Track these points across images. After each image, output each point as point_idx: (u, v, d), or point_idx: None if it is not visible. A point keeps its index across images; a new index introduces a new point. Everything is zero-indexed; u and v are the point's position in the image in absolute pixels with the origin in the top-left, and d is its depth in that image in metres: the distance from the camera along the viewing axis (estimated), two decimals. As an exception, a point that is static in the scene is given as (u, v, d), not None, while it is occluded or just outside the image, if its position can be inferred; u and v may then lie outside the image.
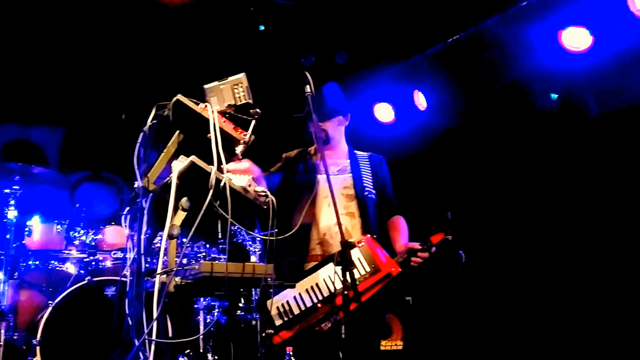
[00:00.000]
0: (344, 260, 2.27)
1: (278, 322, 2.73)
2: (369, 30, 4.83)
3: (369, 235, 2.80)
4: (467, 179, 4.97)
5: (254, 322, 3.75)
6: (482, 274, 4.53)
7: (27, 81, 5.10)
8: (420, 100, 4.96)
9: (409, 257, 2.82)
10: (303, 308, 2.71)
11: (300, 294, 2.74)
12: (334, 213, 2.73)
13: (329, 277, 2.71)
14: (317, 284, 2.73)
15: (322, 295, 2.69)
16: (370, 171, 3.21)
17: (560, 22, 3.90)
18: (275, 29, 4.89)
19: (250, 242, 4.26)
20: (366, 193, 3.09)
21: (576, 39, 3.85)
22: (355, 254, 2.70)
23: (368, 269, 2.65)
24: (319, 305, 2.67)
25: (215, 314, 3.77)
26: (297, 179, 3.17)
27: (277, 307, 2.75)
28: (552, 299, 4.35)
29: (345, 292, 2.25)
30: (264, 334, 2.66)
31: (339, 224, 2.39)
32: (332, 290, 2.67)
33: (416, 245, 2.83)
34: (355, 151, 3.34)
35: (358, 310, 2.52)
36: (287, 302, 2.75)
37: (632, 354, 3.87)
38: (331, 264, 2.72)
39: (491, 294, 4.69)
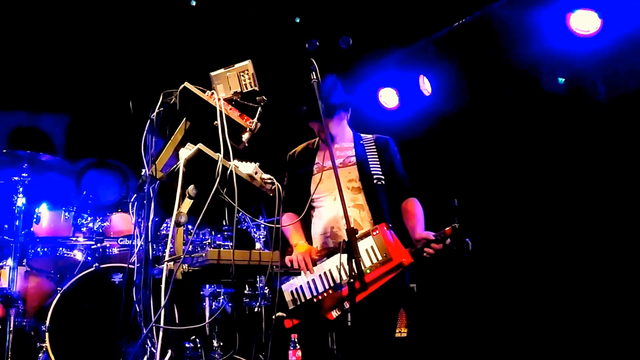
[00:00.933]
0: (349, 248, 2.26)
1: (290, 306, 2.75)
2: (374, 15, 4.79)
3: (383, 224, 2.73)
4: (472, 164, 4.94)
5: (257, 309, 3.78)
6: (487, 261, 4.53)
7: (34, 69, 5.10)
8: (426, 85, 4.93)
9: (423, 247, 2.74)
10: (315, 293, 2.72)
11: (313, 280, 2.74)
12: (340, 206, 2.72)
13: (339, 264, 2.66)
14: (329, 270, 2.73)
15: (333, 282, 2.69)
16: (376, 155, 3.08)
17: (569, 5, 3.84)
18: (279, 14, 4.87)
19: (254, 229, 4.27)
20: (375, 181, 2.98)
21: (585, 22, 3.80)
22: (369, 243, 2.68)
23: (380, 258, 2.62)
24: (330, 291, 2.68)
25: (221, 300, 3.79)
26: (300, 176, 3.10)
27: (291, 292, 2.76)
28: (558, 288, 4.35)
29: (352, 281, 2.24)
30: (273, 317, 2.66)
31: (346, 215, 2.36)
32: (343, 277, 2.63)
33: (430, 236, 2.74)
34: (361, 135, 3.21)
35: (371, 299, 2.52)
36: (300, 286, 2.76)
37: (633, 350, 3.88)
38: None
39: (496, 282, 4.69)
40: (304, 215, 2.85)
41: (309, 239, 3.03)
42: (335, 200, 2.92)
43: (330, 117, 3.04)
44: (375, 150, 3.10)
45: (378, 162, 3.05)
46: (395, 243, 2.67)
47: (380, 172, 3.02)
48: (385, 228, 2.71)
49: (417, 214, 2.97)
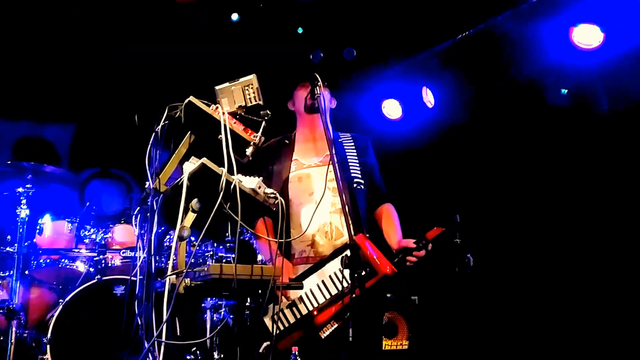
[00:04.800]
0: (353, 264, 2.21)
1: (276, 331, 2.57)
2: (378, 26, 4.81)
3: (361, 235, 2.55)
4: (475, 176, 4.94)
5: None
6: (489, 273, 4.51)
7: (39, 78, 5.13)
8: (429, 97, 4.95)
9: (404, 256, 2.60)
10: (298, 316, 2.59)
11: (294, 301, 2.61)
12: (325, 211, 2.63)
13: (322, 282, 2.57)
14: (310, 290, 2.60)
15: (317, 302, 2.57)
16: (356, 156, 2.90)
17: (572, 19, 3.87)
18: (284, 25, 4.90)
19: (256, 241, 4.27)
20: (355, 184, 2.81)
21: (587, 36, 3.83)
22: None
23: (363, 273, 2.35)
24: (315, 312, 2.55)
25: (222, 312, 3.78)
26: (275, 174, 2.91)
27: (272, 317, 2.56)
28: (561, 301, 4.33)
29: (354, 296, 2.19)
30: (261, 350, 2.55)
31: (347, 221, 2.30)
32: (328, 296, 2.54)
33: (410, 243, 2.62)
34: (339, 133, 3.03)
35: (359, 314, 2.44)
36: (282, 311, 2.61)
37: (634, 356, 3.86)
38: (325, 269, 2.59)
39: (498, 294, 4.67)
40: (277, 214, 2.53)
41: (292, 245, 2.83)
42: (317, 204, 2.68)
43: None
44: (354, 150, 2.95)
45: (357, 164, 2.89)
46: (376, 254, 2.51)
47: (360, 176, 2.86)
48: (363, 238, 2.54)
49: (394, 219, 2.86)
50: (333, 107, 3.10)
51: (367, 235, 2.63)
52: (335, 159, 2.75)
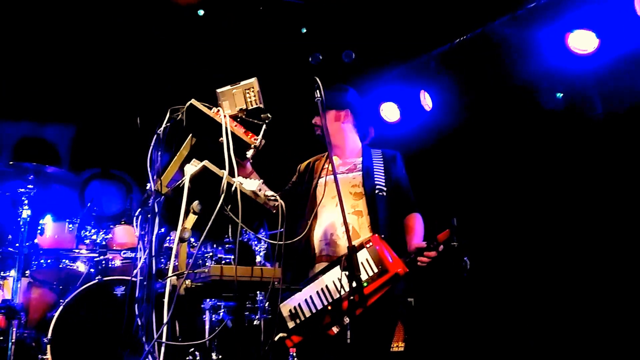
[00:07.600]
0: (350, 266, 2.28)
1: (290, 325, 2.74)
2: (376, 30, 4.85)
3: (376, 235, 2.74)
4: (472, 179, 4.98)
5: (257, 322, 3.78)
6: (485, 275, 4.54)
7: (41, 79, 5.15)
8: (427, 100, 4.98)
9: (416, 256, 2.76)
10: (314, 311, 2.71)
11: (311, 297, 2.74)
12: (341, 213, 2.74)
13: (338, 279, 2.69)
14: (327, 286, 2.73)
15: (332, 297, 2.69)
16: (382, 167, 3.13)
17: (567, 25, 3.91)
18: (283, 28, 4.93)
19: (255, 242, 4.29)
20: (377, 191, 3.01)
21: (583, 41, 3.87)
22: (364, 255, 2.68)
23: (375, 270, 2.63)
24: (329, 307, 2.68)
25: (221, 313, 3.79)
26: (305, 185, 3.17)
27: (290, 310, 2.75)
28: (557, 302, 4.37)
29: (352, 298, 2.27)
30: (276, 339, 2.65)
31: (346, 225, 2.39)
32: (342, 293, 2.64)
33: (423, 244, 2.79)
34: (371, 149, 3.28)
35: (368, 314, 2.53)
36: (299, 304, 2.75)
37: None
38: (337, 268, 2.73)
39: (494, 296, 4.70)
40: (302, 216, 2.95)
41: (313, 244, 3.05)
42: (337, 206, 2.90)
43: (317, 113, 3.02)
44: (382, 162, 3.16)
45: (383, 173, 3.10)
46: (389, 254, 2.67)
47: (383, 184, 3.06)
48: (378, 238, 2.72)
49: (416, 228, 3.03)
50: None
51: (383, 236, 2.79)
52: (342, 164, 3.14)
